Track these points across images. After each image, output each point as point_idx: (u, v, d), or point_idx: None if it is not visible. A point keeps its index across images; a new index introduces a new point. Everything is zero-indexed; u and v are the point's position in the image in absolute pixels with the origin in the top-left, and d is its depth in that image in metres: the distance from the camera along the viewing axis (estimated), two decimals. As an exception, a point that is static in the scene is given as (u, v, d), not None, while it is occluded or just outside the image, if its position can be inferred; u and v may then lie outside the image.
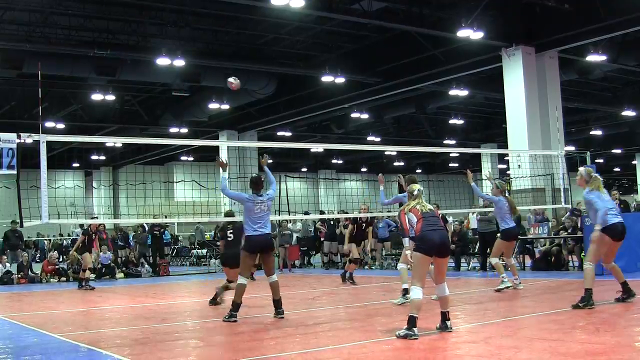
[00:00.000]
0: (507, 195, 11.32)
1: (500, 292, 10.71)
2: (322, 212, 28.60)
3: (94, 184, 41.01)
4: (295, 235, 21.74)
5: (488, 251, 15.80)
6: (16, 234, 20.43)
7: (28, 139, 8.13)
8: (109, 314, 10.65)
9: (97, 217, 24.98)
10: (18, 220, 8.52)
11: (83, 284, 15.65)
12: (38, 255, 28.92)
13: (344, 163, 45.99)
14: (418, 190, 7.48)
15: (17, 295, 15.26)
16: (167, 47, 19.41)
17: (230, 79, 10.34)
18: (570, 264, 15.46)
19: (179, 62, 19.63)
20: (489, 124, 34.41)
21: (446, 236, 7.24)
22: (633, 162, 46.56)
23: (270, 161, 42.67)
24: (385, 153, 42.43)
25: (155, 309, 9.98)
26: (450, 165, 48.41)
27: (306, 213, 24.37)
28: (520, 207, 15.30)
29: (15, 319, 9.73)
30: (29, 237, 30.54)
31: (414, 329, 6.60)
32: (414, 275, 7.07)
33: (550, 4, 17.15)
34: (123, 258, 21.56)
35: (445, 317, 7.00)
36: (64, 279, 18.72)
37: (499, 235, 11.42)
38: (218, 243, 15.97)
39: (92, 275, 19.27)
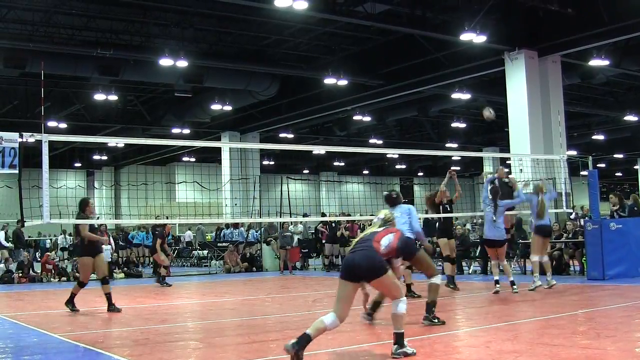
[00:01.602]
0: (541, 195, 11.88)
1: (534, 291, 11.26)
2: (323, 214, 28.59)
3: (96, 184, 41.08)
4: (296, 237, 21.76)
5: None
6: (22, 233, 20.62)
7: (30, 138, 8.14)
8: (109, 315, 10.64)
9: (98, 217, 25.01)
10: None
11: (163, 281, 16.27)
12: (39, 254, 28.94)
13: (345, 165, 45.99)
14: (378, 218, 6.57)
15: (18, 294, 15.27)
16: (170, 48, 19.42)
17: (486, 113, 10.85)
18: (571, 268, 15.44)
19: (182, 63, 19.64)
20: (491, 128, 34.37)
21: (365, 258, 5.89)
22: (635, 167, 46.52)
23: (272, 163, 42.63)
24: (387, 156, 42.44)
25: (155, 309, 9.98)
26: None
27: (305, 215, 24.38)
28: (522, 212, 15.32)
29: (16, 319, 9.73)
30: (29, 237, 30.62)
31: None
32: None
33: (553, 9, 17.14)
34: (124, 258, 21.58)
35: (396, 338, 5.91)
36: (64, 278, 18.73)
37: (532, 232, 12.15)
38: None
39: (93, 276, 19.29)
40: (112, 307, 10.31)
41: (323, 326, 5.74)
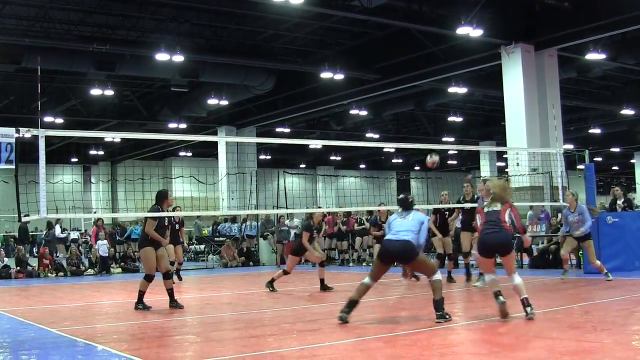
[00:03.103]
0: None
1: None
2: (319, 208, 28.61)
3: (93, 179, 41.03)
4: (292, 232, 21.78)
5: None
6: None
7: (27, 133, 8.11)
8: (107, 309, 10.66)
9: (95, 212, 25.02)
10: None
11: (178, 275, 15.50)
12: (35, 249, 28.93)
13: (342, 159, 45.99)
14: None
15: (15, 289, 15.26)
16: (166, 43, 19.38)
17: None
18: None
19: (178, 58, 19.60)
20: (487, 122, 34.43)
21: (501, 238, 7.59)
22: (632, 161, 46.59)
23: (268, 157, 42.54)
24: (384, 150, 42.44)
25: (152, 304, 9.97)
26: (449, 162, 48.42)
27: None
28: (518, 204, 15.33)
29: (13, 313, 9.73)
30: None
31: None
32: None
33: (550, 2, 17.15)
34: (121, 253, 21.58)
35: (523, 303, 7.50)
36: (61, 273, 18.72)
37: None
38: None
39: (91, 271, 19.32)
40: (173, 303, 9.77)
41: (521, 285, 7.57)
